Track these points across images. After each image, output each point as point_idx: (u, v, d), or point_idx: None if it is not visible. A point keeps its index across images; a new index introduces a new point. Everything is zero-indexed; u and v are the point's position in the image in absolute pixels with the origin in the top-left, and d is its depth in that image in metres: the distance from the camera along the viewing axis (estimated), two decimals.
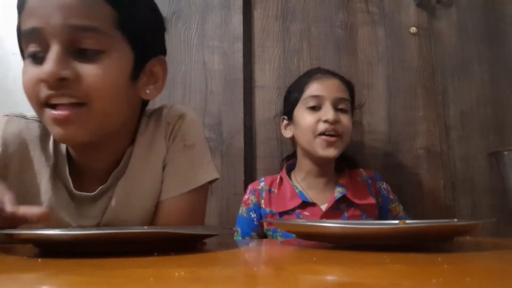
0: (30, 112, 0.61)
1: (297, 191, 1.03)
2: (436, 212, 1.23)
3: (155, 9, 0.63)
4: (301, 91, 1.06)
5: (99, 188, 0.62)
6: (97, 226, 0.63)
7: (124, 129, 0.64)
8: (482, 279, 0.31)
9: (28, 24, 0.53)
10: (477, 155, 1.27)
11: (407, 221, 0.58)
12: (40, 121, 0.63)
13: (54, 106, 0.53)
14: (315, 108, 1.02)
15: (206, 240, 0.56)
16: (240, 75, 1.31)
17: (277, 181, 1.08)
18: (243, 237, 1.04)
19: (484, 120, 1.29)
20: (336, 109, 1.01)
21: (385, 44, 1.34)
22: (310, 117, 1.01)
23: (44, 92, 0.52)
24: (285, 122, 1.12)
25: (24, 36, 0.54)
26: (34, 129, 0.62)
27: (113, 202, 0.62)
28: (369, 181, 1.09)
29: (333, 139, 0.99)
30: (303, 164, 1.08)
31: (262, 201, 1.05)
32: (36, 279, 0.33)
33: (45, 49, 0.52)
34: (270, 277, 0.33)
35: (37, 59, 0.53)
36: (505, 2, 1.36)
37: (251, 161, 1.28)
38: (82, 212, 0.62)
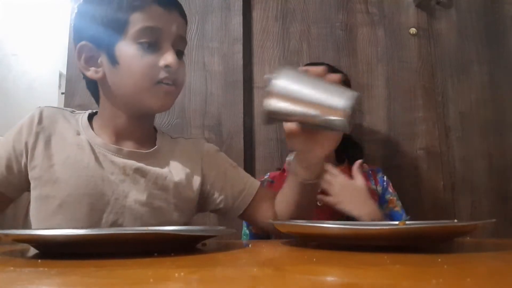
0: (27, 113, 0.76)
1: None
2: (436, 213, 1.23)
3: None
4: None
5: (119, 147, 0.75)
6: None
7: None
8: (482, 279, 0.31)
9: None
10: (477, 156, 1.27)
11: (407, 222, 0.58)
12: (73, 111, 0.81)
13: (161, 84, 0.72)
14: None
15: (206, 241, 0.56)
16: (240, 76, 1.31)
17: (279, 173, 1.12)
18: (247, 226, 1.09)
19: (483, 120, 1.29)
20: None
21: (385, 45, 1.34)
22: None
23: (163, 74, 0.71)
24: None
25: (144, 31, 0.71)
26: (66, 112, 0.80)
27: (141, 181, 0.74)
28: (370, 172, 1.10)
29: None
30: None
31: None
32: (36, 279, 0.33)
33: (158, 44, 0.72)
34: (270, 277, 0.33)
35: (150, 48, 0.71)
36: (505, 3, 1.36)
37: (251, 162, 1.29)
38: (102, 165, 0.74)
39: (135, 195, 0.73)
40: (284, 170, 1.13)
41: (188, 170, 0.79)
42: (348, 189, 0.97)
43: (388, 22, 1.36)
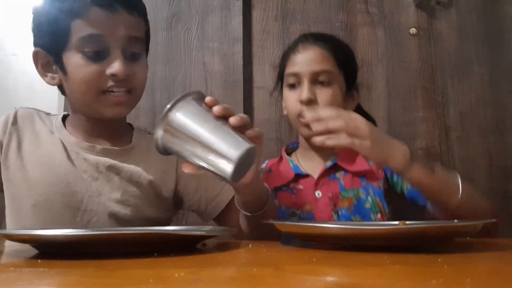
0: None
1: (291, 165, 0.98)
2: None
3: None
4: (283, 66, 0.98)
5: (91, 144, 0.75)
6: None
7: None
8: (482, 279, 0.31)
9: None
10: (477, 156, 1.27)
11: (407, 222, 0.58)
12: (48, 113, 0.82)
13: (110, 93, 0.70)
14: (294, 86, 0.93)
15: (206, 241, 0.56)
16: (240, 76, 1.30)
17: (277, 160, 1.03)
18: None
19: (483, 120, 1.29)
20: (316, 83, 0.91)
21: (385, 45, 1.34)
22: (290, 98, 0.94)
23: (110, 83, 0.69)
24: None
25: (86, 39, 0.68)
26: (41, 113, 0.80)
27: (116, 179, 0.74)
28: None
29: None
30: (300, 139, 1.02)
31: None
32: (36, 279, 0.33)
33: (106, 51, 0.68)
34: (270, 277, 0.33)
35: (96, 56, 0.68)
36: (505, 3, 1.35)
37: None
38: (75, 163, 0.74)
39: (109, 192, 0.72)
40: (281, 158, 1.03)
41: (163, 169, 0.78)
42: (375, 130, 0.70)
43: (388, 22, 1.36)
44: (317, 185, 0.93)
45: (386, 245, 0.46)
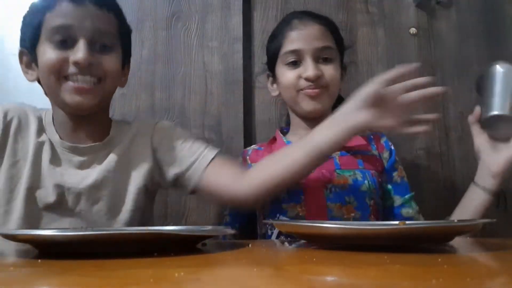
0: None
1: (286, 142, 0.99)
2: (436, 213, 1.23)
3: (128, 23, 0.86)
4: (279, 44, 0.97)
5: (73, 145, 0.78)
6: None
7: (105, 108, 0.85)
8: (482, 279, 0.31)
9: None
10: None
11: (407, 222, 0.58)
12: (36, 108, 0.84)
13: (73, 80, 0.72)
14: (295, 64, 0.94)
15: (206, 241, 0.56)
16: (240, 76, 1.30)
17: (266, 143, 1.05)
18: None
19: None
20: (318, 60, 0.93)
21: (385, 45, 1.34)
22: (290, 74, 0.94)
23: (72, 70, 0.72)
24: (271, 79, 1.04)
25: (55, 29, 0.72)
26: (29, 109, 0.83)
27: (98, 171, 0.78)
28: (372, 136, 1.01)
29: (316, 91, 0.92)
30: (294, 121, 1.02)
31: (248, 157, 1.01)
32: (36, 279, 0.33)
33: (73, 40, 0.72)
34: (270, 277, 0.33)
35: (63, 45, 0.72)
36: (505, 3, 1.35)
37: None
38: (61, 163, 0.78)
39: (92, 179, 0.77)
40: (274, 139, 1.04)
41: (141, 152, 0.82)
42: None
43: (388, 22, 1.35)
44: None
45: (386, 245, 0.46)
